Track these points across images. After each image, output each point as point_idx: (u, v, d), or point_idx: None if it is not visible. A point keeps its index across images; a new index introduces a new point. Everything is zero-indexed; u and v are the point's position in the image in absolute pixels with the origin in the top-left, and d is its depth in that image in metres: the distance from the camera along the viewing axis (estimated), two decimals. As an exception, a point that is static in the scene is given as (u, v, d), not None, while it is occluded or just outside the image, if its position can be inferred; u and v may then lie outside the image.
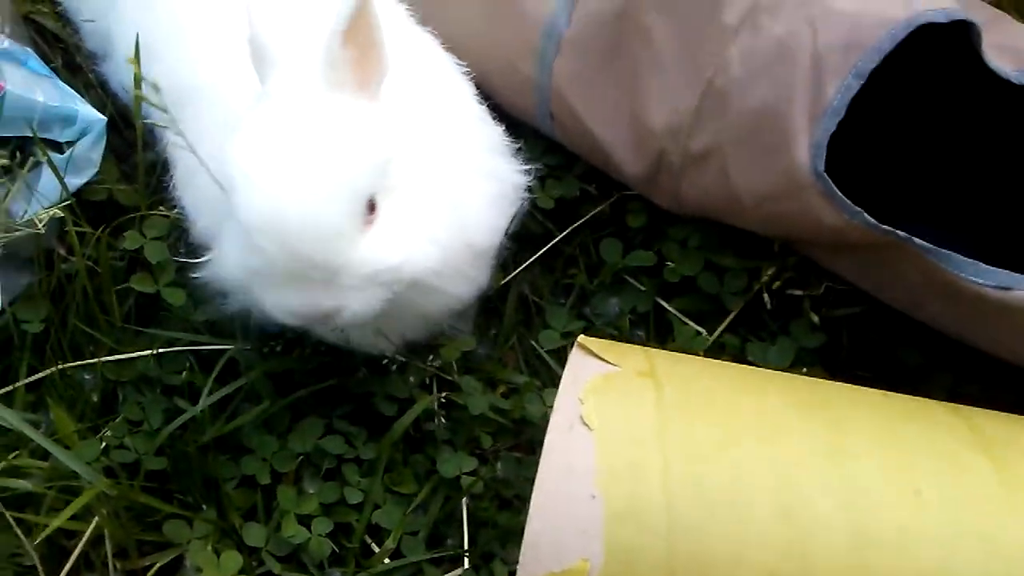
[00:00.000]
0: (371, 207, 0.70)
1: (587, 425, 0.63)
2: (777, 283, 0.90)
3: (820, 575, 0.57)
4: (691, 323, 0.93)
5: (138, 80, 0.87)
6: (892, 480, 0.60)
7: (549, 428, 0.64)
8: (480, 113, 0.88)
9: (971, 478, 0.60)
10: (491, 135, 0.88)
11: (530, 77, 0.95)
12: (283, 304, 0.71)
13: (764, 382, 0.68)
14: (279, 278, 0.70)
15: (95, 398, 0.87)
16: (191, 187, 0.82)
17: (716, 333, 0.92)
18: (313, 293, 0.69)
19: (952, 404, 0.67)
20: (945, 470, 0.60)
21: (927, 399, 0.68)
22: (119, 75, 0.95)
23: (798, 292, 0.90)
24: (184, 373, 0.86)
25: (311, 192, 0.68)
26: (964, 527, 0.58)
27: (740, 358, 0.89)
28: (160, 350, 0.87)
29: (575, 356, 0.68)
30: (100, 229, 0.89)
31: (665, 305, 0.94)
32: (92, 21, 0.98)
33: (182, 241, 0.89)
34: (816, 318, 0.89)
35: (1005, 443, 0.62)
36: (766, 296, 0.91)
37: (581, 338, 0.71)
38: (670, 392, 0.65)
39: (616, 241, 0.97)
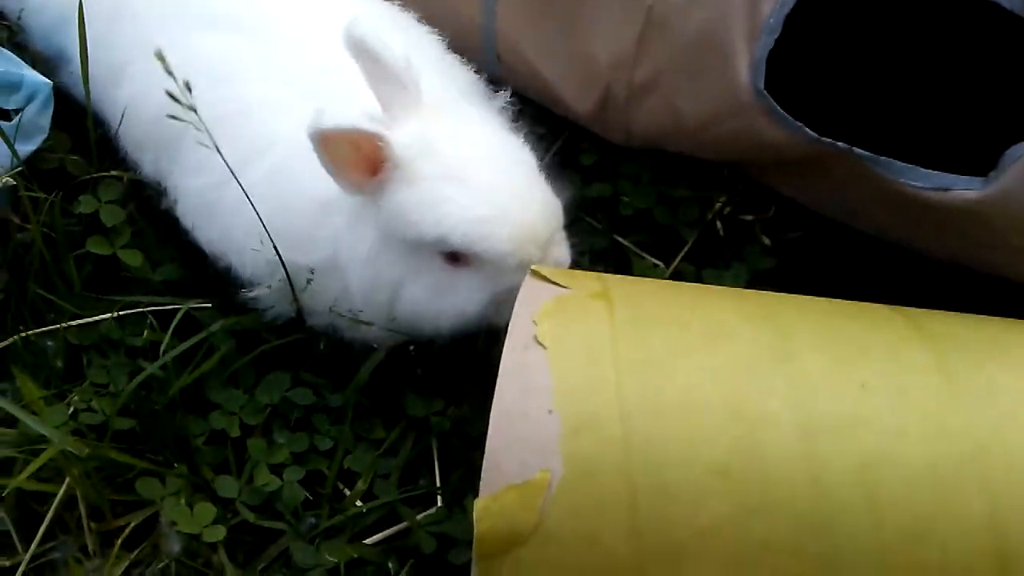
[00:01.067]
0: None
1: (541, 345, 0.64)
2: (728, 209, 0.91)
3: (770, 466, 0.59)
4: (648, 256, 0.95)
5: (83, 45, 0.87)
6: (837, 375, 0.61)
7: (504, 349, 0.65)
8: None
9: (913, 369, 0.62)
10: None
11: (476, 21, 0.95)
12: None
13: (714, 297, 0.70)
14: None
15: (59, 364, 0.87)
16: (225, 225, 0.83)
17: (673, 264, 0.94)
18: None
19: (896, 306, 0.69)
20: (888, 363, 0.62)
21: (872, 303, 0.70)
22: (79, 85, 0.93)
23: (749, 217, 0.92)
24: (145, 333, 0.86)
25: (537, 188, 0.76)
26: (908, 414, 0.59)
27: (696, 285, 0.91)
28: (120, 313, 0.88)
29: (528, 282, 0.69)
30: (54, 194, 0.89)
31: (622, 241, 0.96)
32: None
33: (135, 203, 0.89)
34: (767, 241, 0.90)
35: (945, 337, 0.64)
36: (718, 224, 0.93)
37: (535, 266, 0.72)
38: (622, 310, 0.67)
39: (574, 174, 0.98)
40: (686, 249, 0.94)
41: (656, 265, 0.94)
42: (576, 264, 0.93)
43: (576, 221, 0.97)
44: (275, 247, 0.79)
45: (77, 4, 0.87)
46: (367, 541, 0.81)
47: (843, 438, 0.59)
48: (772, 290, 0.89)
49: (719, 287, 0.73)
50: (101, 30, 0.87)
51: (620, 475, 0.61)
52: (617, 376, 0.63)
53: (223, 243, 0.84)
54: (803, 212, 0.90)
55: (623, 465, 0.61)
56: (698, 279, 0.92)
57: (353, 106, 0.74)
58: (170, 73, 0.70)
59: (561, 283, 0.70)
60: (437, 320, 0.78)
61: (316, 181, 0.74)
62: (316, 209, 0.78)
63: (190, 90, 0.71)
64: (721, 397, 0.61)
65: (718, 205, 0.93)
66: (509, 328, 0.66)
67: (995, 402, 0.60)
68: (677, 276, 0.93)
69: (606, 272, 0.95)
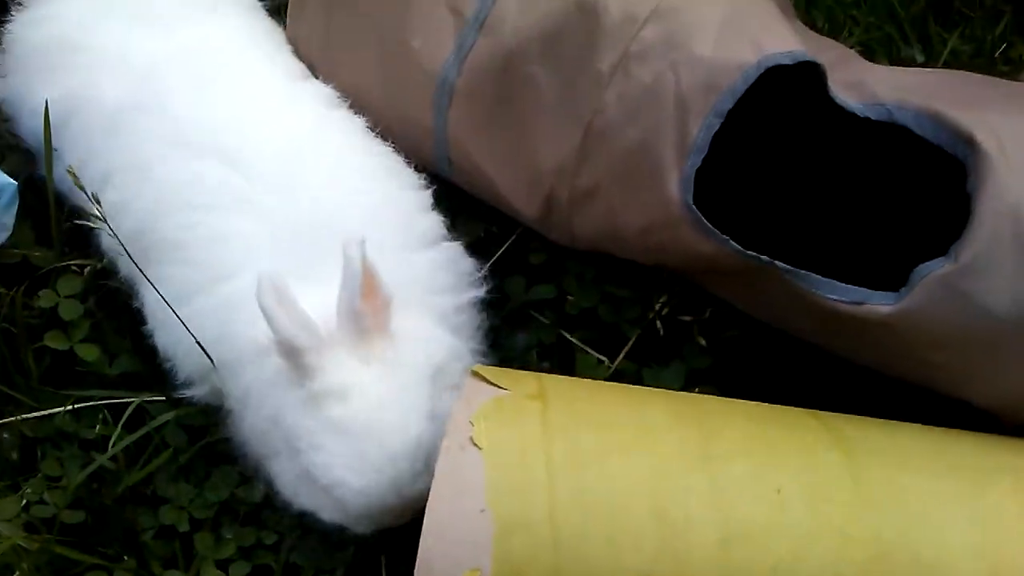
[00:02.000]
0: None
1: (477, 446, 0.67)
2: (666, 310, 0.96)
3: (690, 571, 0.62)
4: (592, 352, 0.98)
5: (48, 140, 0.91)
6: (756, 479, 0.65)
7: (441, 451, 0.68)
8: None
9: (826, 473, 0.65)
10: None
11: (429, 127, 1.00)
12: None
13: (646, 397, 0.73)
14: None
15: (15, 456, 0.88)
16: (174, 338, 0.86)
17: (617, 360, 0.97)
18: None
19: (815, 410, 0.73)
20: (804, 468, 0.65)
21: (795, 407, 0.73)
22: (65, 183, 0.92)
23: (687, 318, 0.96)
24: (98, 427, 0.88)
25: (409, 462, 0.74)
26: (820, 519, 0.63)
27: (638, 382, 0.94)
28: (76, 406, 0.90)
29: (468, 383, 0.73)
30: (14, 290, 0.91)
31: (568, 336, 0.99)
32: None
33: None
34: (703, 341, 0.94)
35: (857, 440, 0.68)
36: (658, 323, 0.97)
37: (475, 367, 0.75)
38: (556, 410, 0.70)
39: (520, 277, 1.02)
40: (628, 346, 0.98)
41: (600, 361, 0.97)
42: (522, 362, 0.97)
43: (525, 317, 1.01)
44: (214, 364, 0.82)
45: (71, 110, 0.91)
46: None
47: (758, 544, 0.62)
48: (708, 387, 0.94)
49: (652, 389, 0.77)
50: (97, 142, 0.91)
51: (548, 575, 0.63)
52: (548, 477, 0.66)
53: (170, 351, 0.87)
54: (738, 314, 0.94)
55: (551, 565, 0.63)
56: (639, 375, 0.95)
57: (318, 270, 0.77)
58: (80, 187, 0.78)
59: (500, 384, 0.73)
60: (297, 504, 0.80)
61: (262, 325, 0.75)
62: (252, 350, 0.79)
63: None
64: (647, 498, 0.64)
65: (658, 306, 0.97)
66: (447, 428, 0.69)
67: (902, 505, 0.64)
68: (619, 372, 0.96)
69: (551, 368, 0.99)
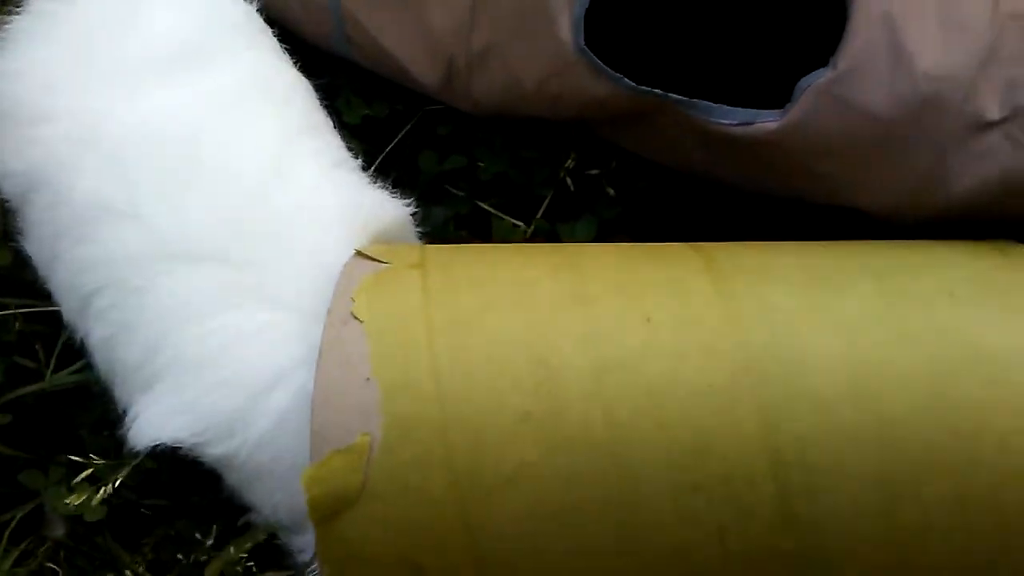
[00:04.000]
0: None
1: (358, 319, 0.67)
2: (573, 165, 0.94)
3: (567, 407, 0.62)
4: (507, 217, 0.97)
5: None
6: (626, 313, 0.64)
7: (324, 328, 0.68)
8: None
9: (696, 298, 0.65)
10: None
11: (324, 4, 0.97)
12: None
13: (526, 253, 0.73)
14: None
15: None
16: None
17: (532, 223, 0.96)
18: None
19: (696, 243, 0.72)
20: (673, 296, 0.65)
21: (674, 243, 0.73)
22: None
23: (595, 171, 0.95)
24: (17, 326, 0.88)
25: None
26: (688, 341, 0.63)
27: (553, 240, 0.94)
28: (-6, 314, 0.90)
29: (350, 263, 0.72)
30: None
31: (483, 205, 0.98)
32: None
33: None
34: (612, 191, 0.93)
35: (730, 264, 0.67)
36: (568, 180, 0.95)
37: (358, 248, 0.74)
38: (435, 276, 0.70)
39: (431, 152, 1.00)
40: (543, 208, 0.97)
41: (516, 225, 0.97)
42: (442, 235, 0.96)
43: (440, 191, 1.00)
44: None
45: (33, 185, 0.79)
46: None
47: (629, 370, 0.62)
48: (621, 237, 0.94)
49: (534, 244, 0.76)
50: (65, 248, 0.78)
51: (436, 431, 0.64)
52: (428, 339, 0.66)
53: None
54: (644, 163, 0.93)
55: (438, 422, 0.64)
56: (553, 233, 0.95)
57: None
58: None
59: (381, 259, 0.72)
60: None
61: None
62: None
63: None
64: (524, 346, 0.64)
65: (567, 163, 0.95)
66: (329, 307, 0.69)
67: (767, 318, 0.64)
68: (536, 233, 0.96)
69: (470, 236, 0.99)
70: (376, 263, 0.72)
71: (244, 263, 0.73)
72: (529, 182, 0.97)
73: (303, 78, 0.89)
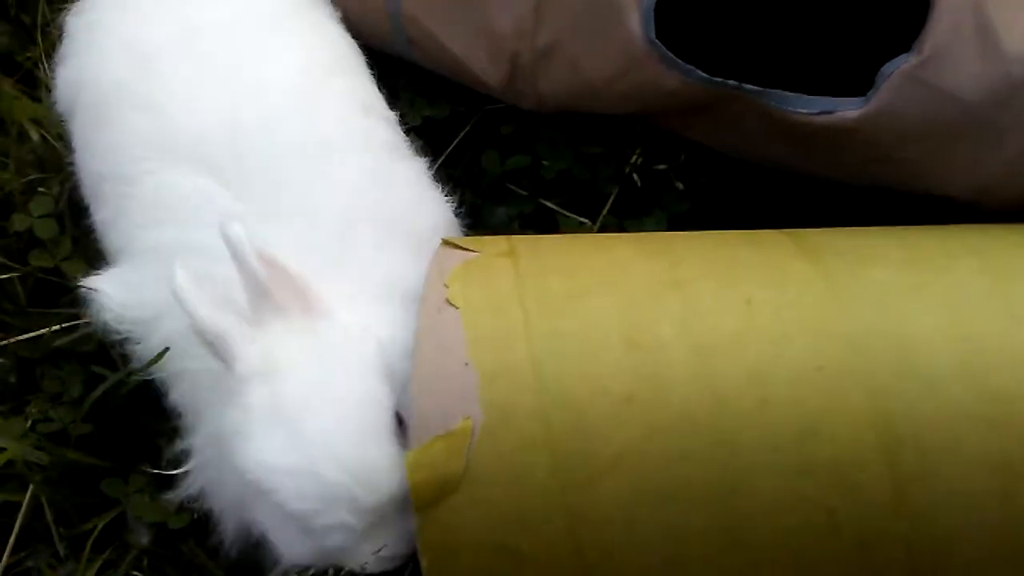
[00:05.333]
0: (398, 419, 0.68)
1: (453, 305, 0.68)
2: (641, 160, 0.95)
3: (669, 388, 0.62)
4: (572, 215, 0.98)
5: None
6: (725, 295, 0.65)
7: (419, 315, 0.68)
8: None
9: (795, 280, 0.65)
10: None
11: (382, 8, 0.98)
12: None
13: (614, 241, 0.73)
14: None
15: (12, 379, 0.90)
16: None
17: (599, 219, 0.97)
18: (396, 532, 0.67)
19: (786, 229, 0.72)
20: (772, 278, 0.65)
21: (765, 229, 0.73)
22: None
23: (662, 166, 0.95)
24: (92, 342, 0.89)
25: (375, 446, 0.66)
26: (791, 323, 0.63)
27: (621, 237, 0.94)
28: (67, 324, 0.90)
29: (439, 252, 0.73)
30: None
31: (547, 203, 0.99)
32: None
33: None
34: (681, 185, 0.94)
35: (826, 247, 0.68)
36: (635, 176, 0.96)
37: (445, 237, 0.75)
38: (526, 264, 0.70)
39: (493, 151, 1.01)
40: (610, 203, 0.97)
41: (582, 222, 0.97)
42: (506, 235, 0.96)
43: (503, 191, 1.00)
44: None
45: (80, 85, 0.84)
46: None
47: (732, 352, 0.62)
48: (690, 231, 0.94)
49: (620, 233, 0.77)
50: (89, 136, 0.83)
51: (537, 416, 0.64)
52: (524, 324, 0.66)
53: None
54: (713, 156, 0.93)
55: (539, 406, 0.64)
56: (621, 230, 0.95)
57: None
58: None
59: (470, 248, 0.73)
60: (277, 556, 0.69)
61: None
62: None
63: None
64: (620, 330, 0.65)
65: (633, 158, 0.96)
66: (422, 295, 0.69)
67: (872, 298, 0.64)
68: (602, 230, 0.96)
69: (536, 235, 0.99)
70: (465, 252, 0.72)
71: (236, 185, 0.72)
72: (594, 179, 0.98)
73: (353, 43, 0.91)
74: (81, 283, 0.75)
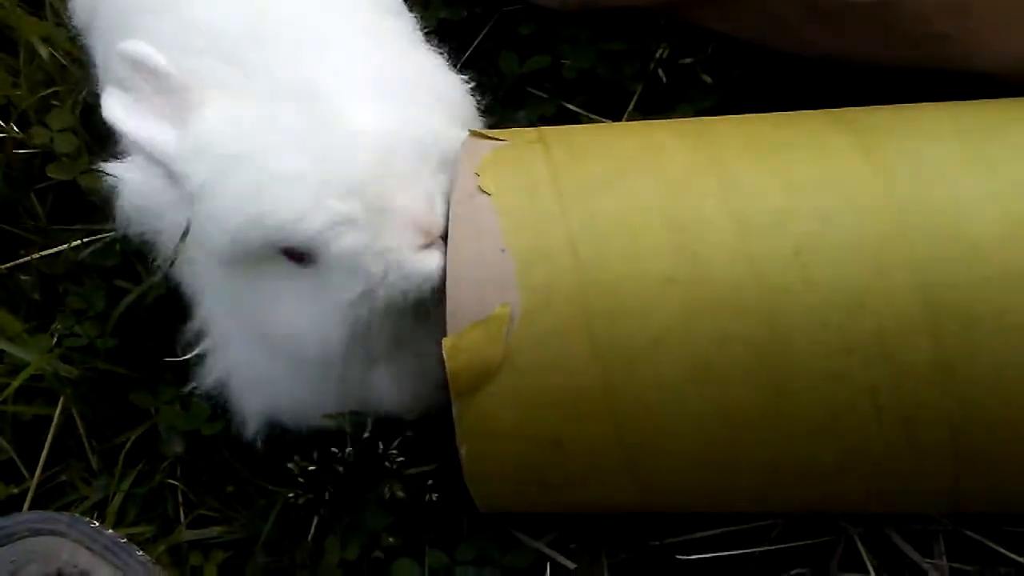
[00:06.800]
0: None
1: (485, 192, 0.66)
2: (666, 53, 0.92)
3: (712, 267, 0.61)
4: (596, 116, 0.95)
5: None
6: (766, 173, 0.63)
7: (451, 202, 0.66)
8: None
9: (837, 156, 0.63)
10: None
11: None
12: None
13: (648, 127, 0.71)
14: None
15: (36, 296, 0.89)
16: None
17: (624, 117, 0.94)
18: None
19: (826, 109, 0.70)
20: (812, 155, 0.64)
21: (804, 110, 0.71)
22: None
23: (688, 60, 0.93)
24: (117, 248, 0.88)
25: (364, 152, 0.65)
26: (832, 199, 0.61)
27: (647, 135, 0.92)
28: (87, 239, 0.89)
29: (467, 142, 0.71)
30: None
31: (569, 106, 0.97)
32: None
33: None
34: (709, 79, 0.91)
35: (868, 122, 0.66)
36: (660, 72, 0.93)
37: (472, 130, 0.73)
38: (558, 149, 0.68)
39: (511, 53, 0.98)
40: (634, 100, 0.95)
41: (605, 122, 0.95)
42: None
43: (522, 94, 0.98)
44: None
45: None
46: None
47: (775, 230, 0.61)
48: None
49: (654, 121, 0.74)
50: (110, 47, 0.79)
51: (575, 299, 0.63)
52: (561, 208, 0.65)
53: None
54: (740, 48, 0.91)
55: (577, 290, 0.63)
56: (647, 128, 0.93)
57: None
58: None
59: (499, 138, 0.71)
60: (305, 348, 0.69)
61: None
62: None
63: None
64: (659, 210, 0.63)
65: (659, 53, 0.93)
66: (453, 184, 0.68)
67: (914, 169, 0.62)
68: (627, 130, 0.94)
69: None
70: (494, 141, 0.71)
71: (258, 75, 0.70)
72: (618, 77, 0.95)
73: None
74: (102, 167, 0.74)
